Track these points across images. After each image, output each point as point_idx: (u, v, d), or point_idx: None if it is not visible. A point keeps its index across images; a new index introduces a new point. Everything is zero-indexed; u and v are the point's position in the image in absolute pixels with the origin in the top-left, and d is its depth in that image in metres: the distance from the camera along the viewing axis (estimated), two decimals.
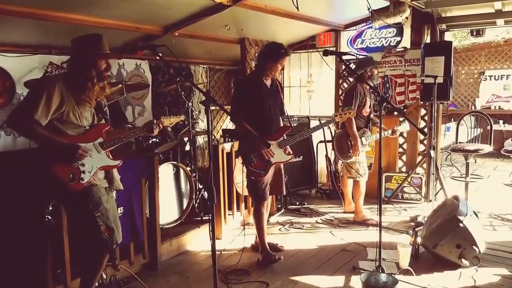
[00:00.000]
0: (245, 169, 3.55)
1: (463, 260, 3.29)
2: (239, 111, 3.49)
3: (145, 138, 3.90)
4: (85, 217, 2.47)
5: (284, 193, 4.04)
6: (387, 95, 5.22)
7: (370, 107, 4.49)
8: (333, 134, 5.67)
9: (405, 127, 4.59)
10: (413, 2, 4.51)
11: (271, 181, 3.64)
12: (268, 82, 3.56)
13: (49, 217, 3.12)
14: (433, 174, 4.72)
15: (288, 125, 3.75)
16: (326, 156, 5.56)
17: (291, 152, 3.70)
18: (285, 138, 3.60)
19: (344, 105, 4.33)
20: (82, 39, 2.45)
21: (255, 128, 3.40)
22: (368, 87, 4.40)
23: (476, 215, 3.54)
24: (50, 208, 3.19)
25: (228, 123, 6.76)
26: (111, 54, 2.52)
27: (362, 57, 5.29)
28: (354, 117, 4.18)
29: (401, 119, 4.79)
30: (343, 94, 4.50)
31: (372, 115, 4.55)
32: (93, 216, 2.44)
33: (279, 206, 5.05)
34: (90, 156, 2.45)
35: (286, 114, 3.75)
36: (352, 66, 4.69)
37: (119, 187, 2.74)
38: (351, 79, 5.48)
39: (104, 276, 2.93)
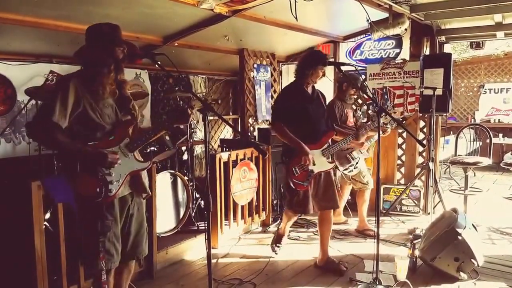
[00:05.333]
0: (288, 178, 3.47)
1: (461, 273, 3.25)
2: (283, 120, 3.44)
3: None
4: (88, 236, 2.24)
5: (339, 207, 3.78)
6: (385, 106, 5.21)
7: (353, 117, 4.50)
8: None
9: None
10: (413, 14, 4.52)
11: (321, 195, 3.53)
12: (309, 90, 3.56)
13: (47, 224, 3.12)
14: (431, 186, 4.69)
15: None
16: None
17: (333, 161, 3.68)
18: (330, 144, 3.55)
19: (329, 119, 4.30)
20: (101, 25, 2.26)
21: (301, 137, 3.39)
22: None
23: (475, 228, 3.51)
24: (48, 215, 3.19)
25: (226, 133, 6.78)
26: (129, 43, 2.31)
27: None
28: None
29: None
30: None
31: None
32: (96, 239, 2.18)
33: (275, 216, 5.01)
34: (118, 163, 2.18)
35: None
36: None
37: (148, 192, 2.44)
38: None
39: None
